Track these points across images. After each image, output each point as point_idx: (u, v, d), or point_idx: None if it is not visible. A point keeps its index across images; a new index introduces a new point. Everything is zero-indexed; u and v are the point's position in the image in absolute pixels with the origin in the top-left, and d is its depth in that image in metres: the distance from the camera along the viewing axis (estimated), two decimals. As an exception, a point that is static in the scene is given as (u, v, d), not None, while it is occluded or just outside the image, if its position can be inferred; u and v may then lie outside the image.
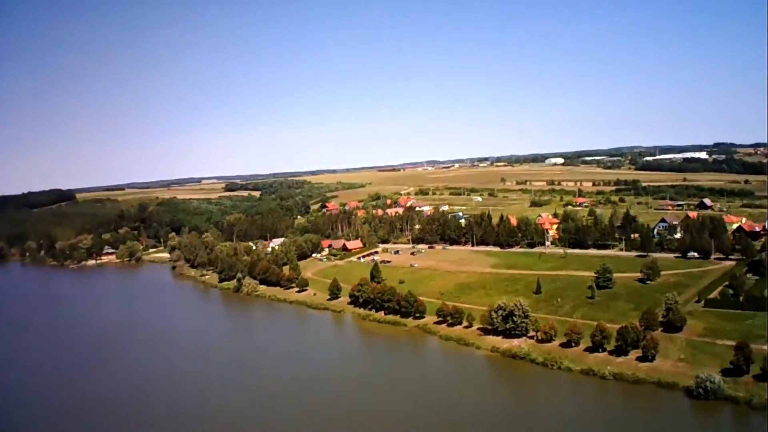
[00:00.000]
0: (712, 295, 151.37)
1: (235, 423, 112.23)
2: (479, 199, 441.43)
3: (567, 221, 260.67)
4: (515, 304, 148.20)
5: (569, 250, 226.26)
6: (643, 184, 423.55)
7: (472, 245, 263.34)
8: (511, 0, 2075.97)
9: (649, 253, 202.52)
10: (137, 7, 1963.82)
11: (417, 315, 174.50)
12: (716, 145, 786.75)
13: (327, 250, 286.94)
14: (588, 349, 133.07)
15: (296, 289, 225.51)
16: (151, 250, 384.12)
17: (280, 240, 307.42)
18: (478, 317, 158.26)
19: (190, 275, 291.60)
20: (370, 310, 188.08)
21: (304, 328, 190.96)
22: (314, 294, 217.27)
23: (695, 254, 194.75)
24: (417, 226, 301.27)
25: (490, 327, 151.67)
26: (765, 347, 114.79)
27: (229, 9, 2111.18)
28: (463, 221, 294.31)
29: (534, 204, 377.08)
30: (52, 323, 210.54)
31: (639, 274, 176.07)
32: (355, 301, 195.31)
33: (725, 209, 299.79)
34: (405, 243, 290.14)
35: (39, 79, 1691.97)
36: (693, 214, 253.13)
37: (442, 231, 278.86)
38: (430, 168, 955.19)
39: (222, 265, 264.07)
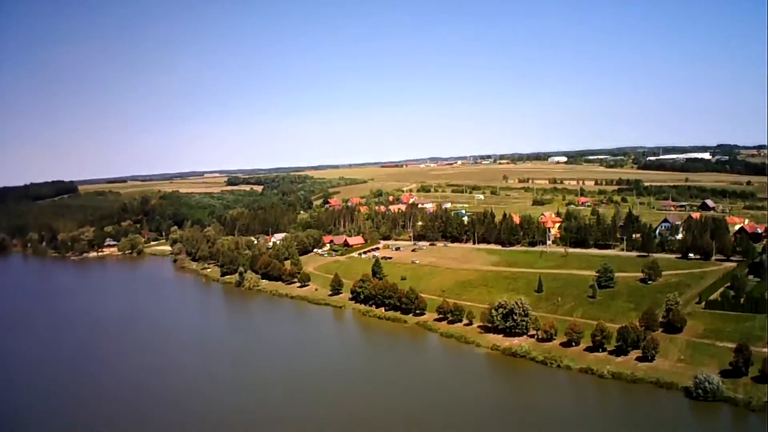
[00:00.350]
0: (712, 297, 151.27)
1: (235, 416, 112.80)
2: (481, 196, 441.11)
3: (569, 220, 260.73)
4: (516, 302, 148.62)
5: (570, 249, 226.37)
6: (646, 184, 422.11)
7: (474, 243, 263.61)
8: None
9: (651, 254, 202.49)
10: (140, 1, 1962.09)
11: (418, 312, 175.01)
12: (719, 145, 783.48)
13: (328, 245, 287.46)
14: (588, 349, 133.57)
15: (298, 284, 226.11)
16: (152, 243, 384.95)
17: (282, 235, 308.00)
18: (478, 315, 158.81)
19: (191, 268, 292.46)
20: (371, 306, 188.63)
21: (305, 323, 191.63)
22: (316, 289, 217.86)
23: (696, 255, 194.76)
24: (419, 223, 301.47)
25: (490, 325, 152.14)
26: (764, 349, 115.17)
27: (232, 3, 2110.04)
28: (465, 219, 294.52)
29: (536, 202, 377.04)
30: (52, 316, 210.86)
31: (640, 274, 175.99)
32: (356, 297, 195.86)
33: (727, 210, 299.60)
34: (407, 240, 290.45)
35: (42, 72, 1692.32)
36: (695, 214, 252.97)
37: (444, 228, 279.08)
38: (432, 164, 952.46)
39: (223, 259, 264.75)
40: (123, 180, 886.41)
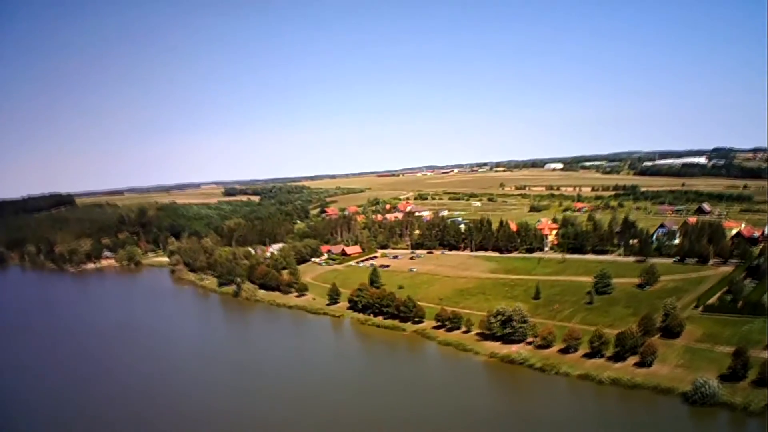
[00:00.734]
0: (710, 301, 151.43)
1: (234, 426, 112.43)
2: (478, 204, 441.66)
3: (566, 226, 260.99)
4: (514, 309, 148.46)
5: (568, 256, 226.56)
6: (642, 189, 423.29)
7: (471, 250, 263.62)
8: (510, 4, 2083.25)
9: (648, 259, 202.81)
10: (137, 11, 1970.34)
11: (416, 320, 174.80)
12: (715, 149, 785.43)
13: (326, 255, 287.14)
14: (586, 355, 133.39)
15: (295, 293, 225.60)
16: (150, 255, 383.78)
17: (279, 245, 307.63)
18: (476, 322, 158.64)
19: (189, 279, 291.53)
20: (369, 314, 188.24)
21: (303, 332, 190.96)
22: (313, 299, 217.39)
23: (694, 259, 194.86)
24: (416, 232, 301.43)
25: (488, 332, 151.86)
26: (763, 353, 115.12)
27: (229, 14, 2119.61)
28: (462, 226, 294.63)
29: (533, 209, 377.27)
30: (51, 327, 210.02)
31: (637, 280, 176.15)
32: (354, 305, 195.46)
33: (724, 214, 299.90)
34: (404, 248, 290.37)
35: (38, 83, 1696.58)
36: (692, 219, 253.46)
37: (442, 236, 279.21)
38: (428, 173, 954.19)
39: (221, 269, 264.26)
40: (120, 192, 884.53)
